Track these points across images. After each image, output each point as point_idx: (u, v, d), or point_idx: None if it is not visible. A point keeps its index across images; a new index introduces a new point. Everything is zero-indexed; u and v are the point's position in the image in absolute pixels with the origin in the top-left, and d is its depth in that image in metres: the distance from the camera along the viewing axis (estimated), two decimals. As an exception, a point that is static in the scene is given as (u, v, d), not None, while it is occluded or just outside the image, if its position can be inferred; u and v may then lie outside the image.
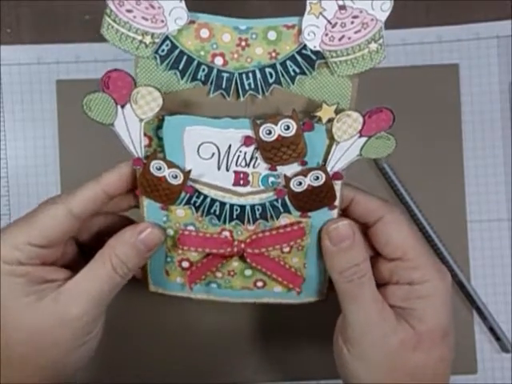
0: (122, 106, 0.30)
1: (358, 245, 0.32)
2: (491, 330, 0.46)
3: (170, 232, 0.33)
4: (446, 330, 0.32)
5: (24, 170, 0.46)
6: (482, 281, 0.46)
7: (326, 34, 0.29)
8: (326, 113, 0.30)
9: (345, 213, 0.34)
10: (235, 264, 0.34)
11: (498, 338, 0.46)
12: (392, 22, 0.47)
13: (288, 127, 0.30)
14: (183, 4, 0.28)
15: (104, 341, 0.34)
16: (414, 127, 0.46)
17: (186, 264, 0.34)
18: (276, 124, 0.30)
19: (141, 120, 0.30)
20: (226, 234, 0.33)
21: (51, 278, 0.31)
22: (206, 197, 0.32)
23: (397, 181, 0.45)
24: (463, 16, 0.46)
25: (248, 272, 0.34)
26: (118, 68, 0.29)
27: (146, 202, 0.33)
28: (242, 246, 0.33)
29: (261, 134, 0.30)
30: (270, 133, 0.30)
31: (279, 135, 0.30)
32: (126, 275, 0.32)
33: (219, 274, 0.34)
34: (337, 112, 0.30)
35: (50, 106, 0.46)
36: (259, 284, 0.35)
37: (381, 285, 0.33)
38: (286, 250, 0.34)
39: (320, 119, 0.30)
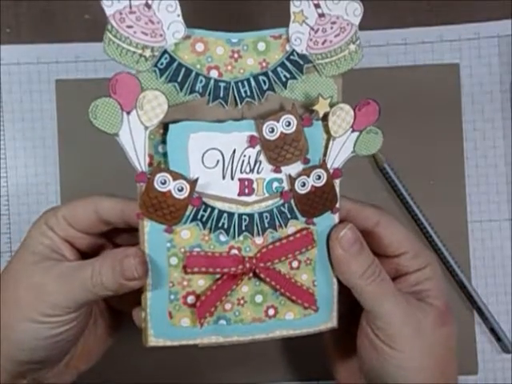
0: (128, 113, 0.30)
1: (365, 245, 0.33)
2: (492, 330, 0.46)
3: (174, 261, 0.32)
4: (449, 306, 0.35)
5: (23, 171, 0.46)
6: (482, 281, 0.46)
7: (311, 39, 0.31)
8: (322, 106, 0.32)
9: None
10: (245, 290, 0.33)
11: (498, 339, 0.46)
12: (393, 22, 0.47)
13: (289, 123, 0.31)
14: (180, 18, 0.30)
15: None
16: (415, 127, 0.46)
17: (191, 299, 0.32)
18: (278, 121, 0.31)
19: (146, 128, 0.30)
20: (235, 251, 0.32)
21: (63, 253, 0.33)
22: (213, 209, 0.32)
23: (397, 181, 0.45)
24: (464, 15, 0.46)
25: (259, 298, 0.33)
26: (125, 71, 0.30)
27: (148, 228, 0.31)
28: (254, 261, 0.32)
29: (264, 133, 0.31)
30: (272, 131, 0.31)
31: (281, 132, 0.31)
32: (102, 291, 0.31)
33: (228, 306, 0.33)
34: (331, 105, 0.32)
35: (49, 105, 0.46)
36: (271, 312, 0.34)
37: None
38: (295, 265, 0.33)
39: (317, 113, 0.32)
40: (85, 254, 0.35)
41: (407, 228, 0.36)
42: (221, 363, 0.46)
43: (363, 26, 0.32)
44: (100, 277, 0.31)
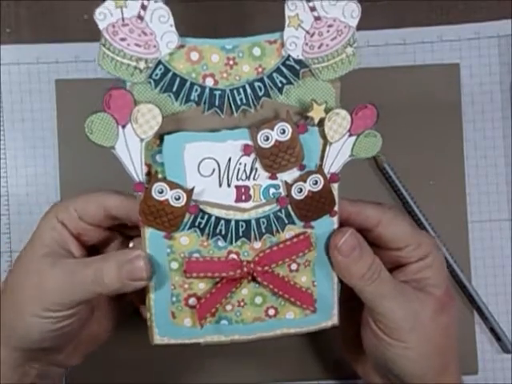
0: (123, 127, 0.30)
1: (366, 247, 0.34)
2: (492, 330, 0.46)
3: (175, 265, 0.33)
4: (451, 291, 0.36)
5: (23, 171, 0.46)
6: (482, 281, 0.46)
7: (306, 44, 0.31)
8: (317, 112, 0.31)
9: (344, 224, 0.34)
10: (245, 292, 0.34)
11: (498, 339, 0.46)
12: (392, 22, 0.47)
13: (284, 131, 0.31)
14: (173, 28, 0.30)
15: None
16: (415, 127, 0.46)
17: (193, 301, 0.33)
18: (272, 129, 0.31)
19: (141, 140, 0.30)
20: (233, 256, 0.33)
21: (70, 249, 0.34)
22: (210, 216, 0.32)
23: (397, 181, 0.45)
24: (464, 15, 0.46)
25: (258, 299, 0.34)
26: (119, 86, 0.30)
27: (148, 234, 0.32)
28: (252, 265, 0.33)
29: (259, 141, 0.31)
30: (267, 139, 0.31)
31: (276, 140, 0.31)
32: (102, 290, 0.32)
33: (229, 307, 0.34)
34: (326, 111, 0.31)
35: (49, 105, 0.46)
36: (271, 312, 0.34)
37: (392, 269, 0.35)
38: (294, 267, 0.34)
39: (312, 119, 0.31)
40: (93, 246, 0.35)
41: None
42: (221, 363, 0.46)
43: (362, 26, 0.31)
44: (102, 276, 0.32)
